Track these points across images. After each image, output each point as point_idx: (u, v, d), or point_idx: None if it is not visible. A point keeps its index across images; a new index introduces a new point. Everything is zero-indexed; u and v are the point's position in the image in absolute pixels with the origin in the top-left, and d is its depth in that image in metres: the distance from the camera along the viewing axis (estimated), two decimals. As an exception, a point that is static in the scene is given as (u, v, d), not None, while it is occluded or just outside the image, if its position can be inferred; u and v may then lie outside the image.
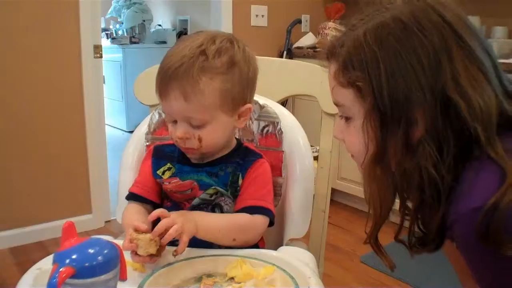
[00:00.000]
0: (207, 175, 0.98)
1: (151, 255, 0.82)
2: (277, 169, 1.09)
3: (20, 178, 2.44)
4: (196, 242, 0.88)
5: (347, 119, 0.77)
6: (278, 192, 1.09)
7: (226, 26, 3.03)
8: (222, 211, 0.98)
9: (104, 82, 2.92)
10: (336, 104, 0.79)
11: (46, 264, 0.80)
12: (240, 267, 0.84)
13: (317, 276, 0.83)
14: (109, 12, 5.70)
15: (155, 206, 1.01)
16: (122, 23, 5.60)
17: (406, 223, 0.77)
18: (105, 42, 5.18)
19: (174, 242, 0.83)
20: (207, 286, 0.82)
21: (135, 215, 0.97)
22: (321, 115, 1.18)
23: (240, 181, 0.98)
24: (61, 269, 0.63)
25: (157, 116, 1.17)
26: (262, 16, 3.23)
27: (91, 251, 0.66)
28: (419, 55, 0.67)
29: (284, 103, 2.23)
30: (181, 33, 5.18)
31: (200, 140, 0.93)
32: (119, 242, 0.78)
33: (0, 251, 2.37)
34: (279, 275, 0.82)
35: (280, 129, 1.11)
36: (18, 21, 2.33)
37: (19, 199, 2.45)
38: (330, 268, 2.16)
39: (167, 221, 0.83)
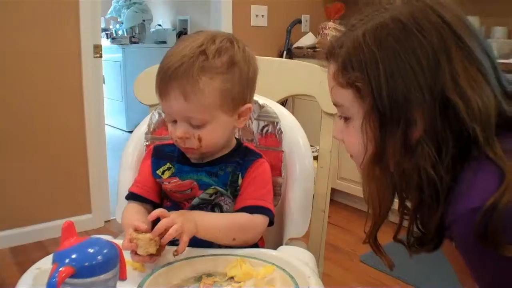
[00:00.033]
0: (207, 174, 0.98)
1: (151, 255, 0.82)
2: (276, 169, 1.09)
3: (20, 177, 2.44)
4: (196, 242, 0.88)
5: (346, 119, 0.77)
6: (277, 191, 1.09)
7: (226, 26, 3.03)
8: (221, 211, 0.98)
9: (104, 82, 2.93)
10: (335, 105, 0.79)
11: (45, 263, 0.80)
12: (240, 266, 0.84)
13: (317, 275, 0.83)
14: (109, 12, 5.70)
15: (154, 205, 1.01)
16: (122, 23, 5.60)
17: (405, 223, 0.77)
18: (105, 42, 5.18)
19: (174, 242, 0.83)
20: (206, 285, 0.82)
21: (135, 214, 0.97)
22: (320, 115, 1.18)
23: (239, 181, 0.98)
24: (60, 269, 0.63)
25: (156, 116, 1.17)
26: (262, 16, 3.23)
27: (90, 250, 0.66)
28: (418, 56, 0.67)
29: (283, 103, 2.23)
30: (181, 33, 5.18)
31: (200, 140, 0.93)
32: (118, 241, 0.78)
33: (0, 251, 2.37)
34: (278, 274, 0.82)
35: (280, 129, 1.12)
36: (18, 21, 2.33)
37: (18, 199, 2.45)
38: (329, 268, 2.16)
39: (167, 221, 0.83)
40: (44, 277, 0.65)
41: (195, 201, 0.97)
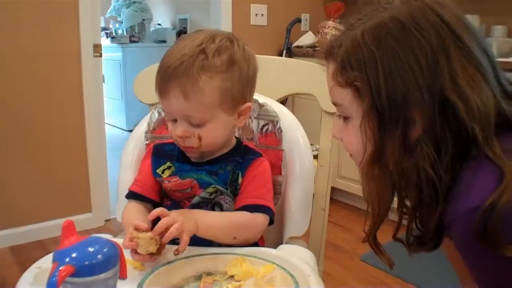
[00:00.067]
0: (207, 173, 0.98)
1: (151, 254, 0.82)
2: (276, 168, 1.09)
3: (20, 177, 2.44)
4: (196, 241, 0.88)
5: (345, 118, 0.77)
6: (277, 190, 1.09)
7: (225, 25, 3.03)
8: (222, 210, 0.98)
9: (103, 81, 2.92)
10: (334, 104, 0.79)
11: (46, 262, 0.80)
12: (240, 265, 0.84)
13: (317, 274, 0.83)
14: (108, 11, 5.70)
15: (155, 204, 1.01)
16: (122, 22, 5.60)
17: (405, 222, 0.77)
18: (105, 41, 5.19)
19: (174, 241, 0.83)
20: (207, 284, 0.82)
21: (135, 213, 0.97)
22: (320, 114, 1.18)
23: (239, 180, 0.98)
24: (60, 268, 0.63)
25: (156, 115, 1.17)
26: (262, 15, 3.23)
27: (90, 249, 0.67)
28: (417, 55, 0.67)
29: (283, 101, 2.23)
30: (181, 32, 5.18)
31: (199, 139, 0.93)
32: (118, 240, 0.78)
33: (0, 250, 2.37)
34: (279, 273, 0.82)
35: (280, 127, 1.12)
36: (18, 20, 2.33)
37: (19, 198, 2.45)
38: (330, 267, 2.16)
39: (167, 220, 0.82)
40: (44, 276, 0.65)
41: (195, 200, 0.97)
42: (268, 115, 1.13)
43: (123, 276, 0.71)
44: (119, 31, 5.62)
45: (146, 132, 1.17)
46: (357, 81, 0.71)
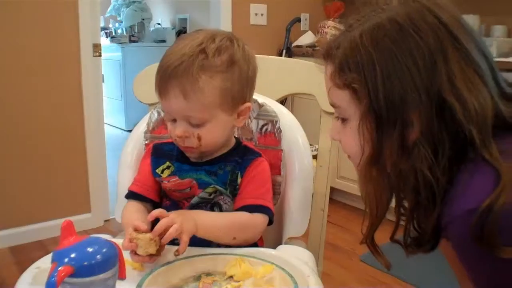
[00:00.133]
0: (206, 173, 0.98)
1: (151, 255, 0.82)
2: (276, 168, 1.09)
3: (19, 177, 2.44)
4: (195, 241, 0.87)
5: (343, 120, 0.77)
6: (277, 190, 1.09)
7: (225, 24, 3.03)
8: (221, 210, 0.98)
9: (103, 81, 2.92)
10: (333, 105, 0.79)
11: (45, 263, 0.80)
12: (239, 265, 0.84)
13: (316, 275, 0.83)
14: (108, 11, 5.70)
15: (154, 204, 1.01)
16: (121, 22, 5.60)
17: (403, 223, 0.77)
18: (104, 41, 5.18)
19: (173, 242, 0.83)
20: (206, 284, 0.82)
21: (135, 213, 0.97)
22: (320, 114, 1.18)
23: (239, 180, 0.98)
24: (59, 268, 0.63)
25: (156, 114, 1.17)
26: (262, 14, 3.23)
27: (90, 250, 0.66)
28: (415, 57, 0.67)
29: (283, 101, 2.23)
30: (181, 32, 5.18)
31: (199, 139, 0.93)
32: (118, 241, 0.78)
33: (0, 250, 2.37)
34: (278, 273, 0.82)
35: (279, 127, 1.11)
36: (18, 20, 2.33)
37: (18, 198, 2.45)
38: (329, 267, 2.16)
39: (166, 221, 0.82)
40: (43, 276, 0.65)
41: (195, 200, 0.97)
42: (268, 115, 1.13)
43: (122, 276, 0.71)
44: (119, 31, 5.62)
45: (146, 132, 1.17)
46: (355, 83, 0.71)
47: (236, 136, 1.08)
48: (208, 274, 0.85)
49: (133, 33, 5.44)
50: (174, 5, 5.57)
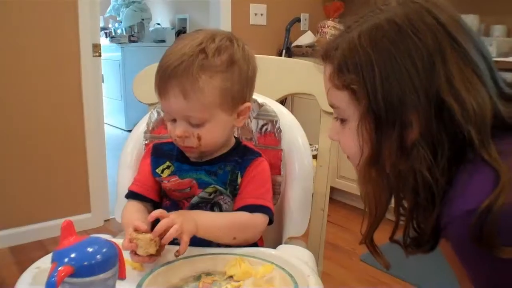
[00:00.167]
0: (206, 173, 0.98)
1: (151, 255, 0.82)
2: (276, 168, 1.09)
3: (19, 177, 2.44)
4: (194, 241, 0.87)
5: (343, 121, 0.77)
6: (277, 190, 1.09)
7: (225, 24, 3.03)
8: (221, 210, 0.98)
9: (103, 81, 2.92)
10: (332, 106, 0.79)
11: (45, 263, 0.80)
12: (239, 265, 0.84)
13: (316, 274, 0.83)
14: (108, 11, 5.70)
15: (154, 204, 1.01)
16: (121, 22, 5.60)
17: (402, 224, 0.77)
18: (104, 41, 5.18)
19: (173, 241, 0.83)
20: (206, 284, 0.82)
21: (135, 213, 0.97)
22: (320, 114, 1.18)
23: (239, 180, 0.98)
24: (59, 268, 0.63)
25: (155, 114, 1.17)
26: (261, 14, 3.23)
27: (89, 249, 0.66)
28: (413, 58, 0.67)
29: (283, 101, 2.23)
30: (180, 32, 5.18)
31: (199, 138, 0.93)
32: (118, 241, 0.78)
33: (0, 250, 2.37)
34: (278, 273, 0.82)
35: (279, 127, 1.11)
36: (17, 20, 2.33)
37: (18, 198, 2.45)
38: (329, 267, 2.16)
39: (166, 221, 0.82)
40: (43, 276, 0.65)
41: (195, 200, 0.97)
42: (267, 115, 1.13)
43: (122, 276, 0.71)
44: (118, 31, 5.62)
45: (145, 132, 1.17)
46: (353, 84, 0.71)
47: (236, 136, 1.08)
48: (208, 274, 0.85)
49: (132, 33, 5.44)
50: (174, 5, 5.57)
